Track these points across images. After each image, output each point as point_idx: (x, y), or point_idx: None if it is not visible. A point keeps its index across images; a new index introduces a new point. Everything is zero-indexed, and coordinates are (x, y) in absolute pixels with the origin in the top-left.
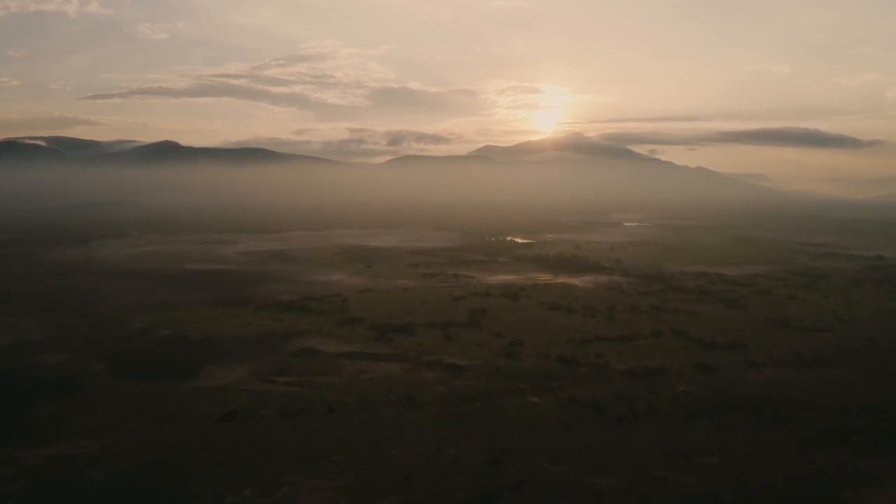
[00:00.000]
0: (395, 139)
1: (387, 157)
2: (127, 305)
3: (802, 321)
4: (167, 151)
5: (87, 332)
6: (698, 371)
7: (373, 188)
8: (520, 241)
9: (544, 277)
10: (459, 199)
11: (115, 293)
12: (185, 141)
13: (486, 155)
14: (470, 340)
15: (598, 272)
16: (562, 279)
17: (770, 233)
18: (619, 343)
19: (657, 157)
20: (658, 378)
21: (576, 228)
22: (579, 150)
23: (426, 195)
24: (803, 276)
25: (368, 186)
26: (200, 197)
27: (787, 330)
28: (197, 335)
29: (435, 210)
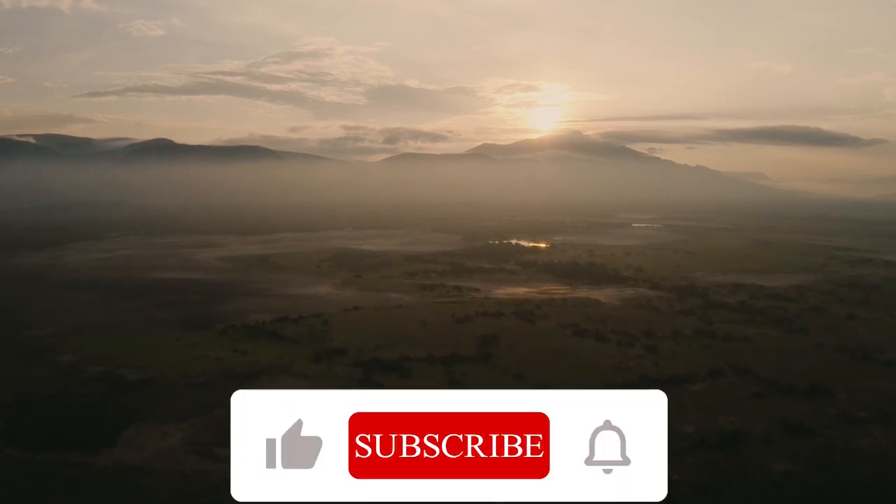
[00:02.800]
0: (392, 137)
1: (384, 155)
2: (68, 328)
3: (882, 351)
4: (161, 149)
5: (2, 368)
6: (789, 434)
7: (369, 186)
8: (525, 244)
9: (560, 290)
10: (458, 198)
11: (62, 311)
12: (181, 139)
13: (485, 153)
14: (481, 384)
15: (620, 283)
16: (581, 292)
17: (788, 235)
18: (673, 388)
19: (657, 155)
20: (741, 448)
21: (583, 230)
22: (578, 148)
23: (424, 194)
24: (852, 289)
25: (364, 185)
26: (192, 196)
27: (868, 364)
28: (135, 374)
29: (433, 209)
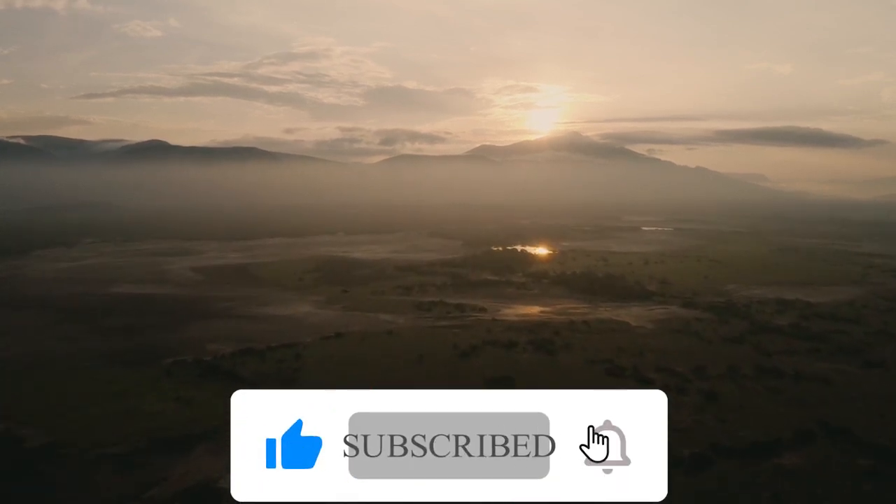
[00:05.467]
0: (389, 138)
1: (381, 157)
2: None
3: None
4: (155, 151)
5: None
6: None
7: (366, 188)
8: (532, 251)
9: (580, 309)
10: (456, 200)
11: None
12: (178, 141)
13: (483, 155)
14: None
15: (646, 300)
16: (604, 312)
17: (809, 239)
18: (760, 464)
19: (656, 156)
20: None
21: (591, 235)
22: (577, 149)
23: (421, 196)
24: None
25: (361, 186)
26: (184, 198)
27: None
28: (38, 437)
29: (430, 212)
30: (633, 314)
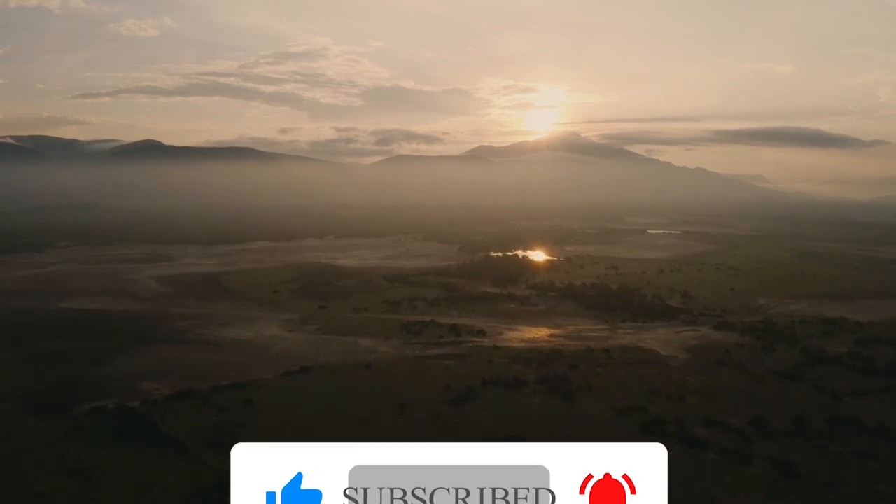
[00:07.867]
0: (386, 138)
1: (378, 157)
2: None
3: None
4: (148, 151)
5: None
6: None
7: (361, 189)
8: (534, 257)
9: (596, 331)
10: (453, 201)
11: None
12: (172, 141)
13: (481, 155)
14: None
15: (670, 318)
16: (625, 336)
17: (826, 243)
18: None
19: (655, 157)
20: None
21: (595, 238)
22: (576, 150)
23: (418, 197)
24: None
25: (356, 187)
26: (176, 198)
27: None
28: None
29: (426, 214)
30: (659, 338)
